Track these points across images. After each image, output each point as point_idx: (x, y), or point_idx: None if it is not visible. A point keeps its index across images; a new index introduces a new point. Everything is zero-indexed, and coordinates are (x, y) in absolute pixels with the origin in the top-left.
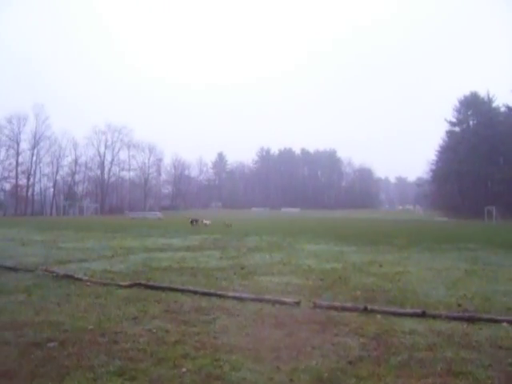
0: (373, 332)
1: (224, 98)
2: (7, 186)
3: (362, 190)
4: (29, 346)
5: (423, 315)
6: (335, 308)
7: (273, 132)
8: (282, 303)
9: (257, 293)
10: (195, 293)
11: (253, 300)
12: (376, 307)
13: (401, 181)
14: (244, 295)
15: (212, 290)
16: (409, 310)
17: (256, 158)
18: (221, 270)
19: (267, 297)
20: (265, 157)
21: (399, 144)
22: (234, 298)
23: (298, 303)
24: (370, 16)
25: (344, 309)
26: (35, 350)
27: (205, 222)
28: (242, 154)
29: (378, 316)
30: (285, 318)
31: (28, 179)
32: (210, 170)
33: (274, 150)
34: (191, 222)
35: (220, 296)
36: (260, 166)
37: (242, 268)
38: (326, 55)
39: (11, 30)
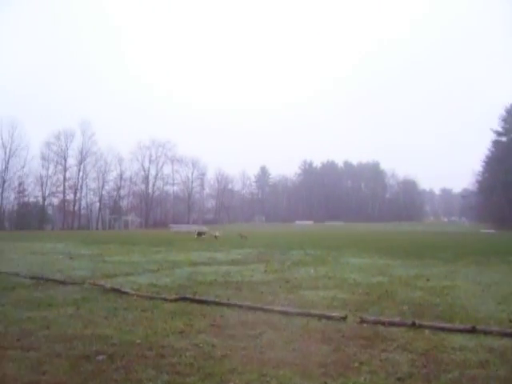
0: (422, 348)
1: (266, 112)
2: (55, 201)
3: (406, 201)
4: (78, 358)
5: (473, 331)
6: (382, 323)
7: (315, 145)
8: (329, 318)
9: (302, 307)
10: (241, 307)
11: (299, 314)
12: (424, 322)
13: (446, 192)
14: (290, 309)
15: (258, 305)
16: (458, 326)
17: (299, 171)
18: (266, 284)
19: (313, 311)
20: (308, 170)
21: (444, 155)
22: (280, 312)
23: (344, 318)
24: (410, 22)
25: (391, 324)
26: (85, 363)
27: (215, 234)
28: (285, 167)
29: (427, 331)
30: (331, 333)
31: (75, 194)
32: (253, 184)
33: (317, 162)
34: (197, 234)
35: (266, 310)
36: (303, 179)
37: (287, 282)
38: (367, 66)
39: (58, 51)
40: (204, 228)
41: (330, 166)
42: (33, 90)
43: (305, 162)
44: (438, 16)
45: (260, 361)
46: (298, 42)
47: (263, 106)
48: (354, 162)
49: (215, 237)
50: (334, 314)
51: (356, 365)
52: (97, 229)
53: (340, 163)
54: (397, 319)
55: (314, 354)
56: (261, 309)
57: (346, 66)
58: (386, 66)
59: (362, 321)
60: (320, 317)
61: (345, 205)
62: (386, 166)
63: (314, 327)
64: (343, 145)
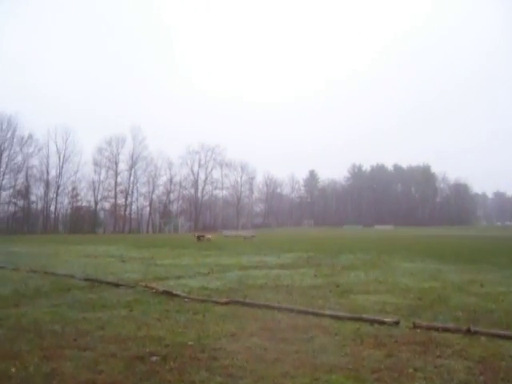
0: (478, 355)
1: (314, 115)
2: (107, 205)
3: (457, 205)
4: (133, 359)
5: None
6: (436, 328)
7: (364, 148)
8: (381, 323)
9: (354, 312)
10: (292, 311)
11: (350, 319)
12: (480, 329)
13: (499, 196)
14: (341, 314)
15: (309, 309)
16: None
17: (348, 174)
18: (316, 288)
19: (365, 316)
20: (357, 173)
21: (497, 158)
22: (331, 316)
23: (396, 323)
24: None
25: (445, 330)
26: (139, 364)
27: (207, 236)
28: (334, 171)
29: (483, 338)
30: (384, 338)
31: (126, 198)
32: (302, 188)
33: (366, 166)
34: (197, 237)
35: (317, 314)
36: (352, 182)
37: (338, 286)
38: (416, 67)
39: (109, 59)
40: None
41: (379, 170)
42: (85, 97)
43: (354, 165)
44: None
45: (312, 365)
46: (350, 45)
47: (312, 110)
48: (404, 165)
49: (208, 239)
50: (386, 319)
51: (410, 371)
52: (147, 232)
53: (390, 167)
54: (451, 325)
55: (366, 359)
56: (312, 313)
57: (392, 67)
58: (432, 67)
59: (415, 326)
60: (372, 321)
61: (394, 209)
62: (436, 169)
63: (366, 332)
64: (393, 148)
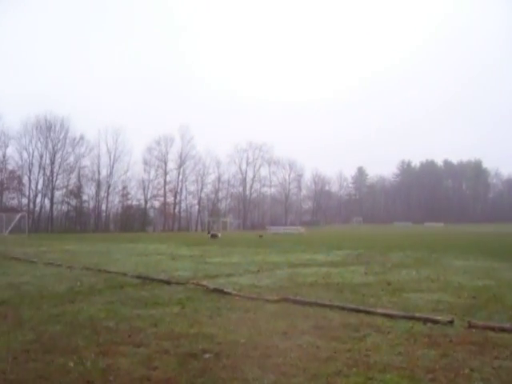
0: None
1: (361, 111)
2: (156, 204)
3: (511, 201)
4: (186, 356)
5: None
6: (492, 328)
7: (413, 144)
8: (434, 322)
9: (406, 310)
10: (343, 309)
11: (403, 317)
12: None
13: None
14: (393, 312)
15: (360, 307)
16: None
17: (397, 171)
18: (367, 286)
19: (417, 315)
20: (406, 170)
21: None
22: (384, 314)
23: (451, 322)
24: None
25: (502, 329)
26: (192, 361)
27: (219, 234)
28: (383, 167)
29: None
30: (438, 338)
31: (175, 197)
32: (350, 185)
33: (415, 162)
34: (211, 235)
35: (368, 312)
36: (401, 179)
37: (389, 284)
38: (464, 60)
39: (157, 59)
40: (218, 232)
41: (429, 166)
42: (134, 98)
43: (403, 162)
44: None
45: (365, 364)
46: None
47: (358, 105)
48: (455, 160)
49: (216, 236)
50: (439, 318)
51: (466, 371)
52: (196, 230)
53: (440, 162)
54: (508, 325)
55: (420, 359)
56: (364, 311)
57: (442, 62)
58: (483, 56)
59: (471, 325)
60: (425, 320)
61: (445, 205)
62: (488, 164)
63: (420, 331)
64: (443, 143)
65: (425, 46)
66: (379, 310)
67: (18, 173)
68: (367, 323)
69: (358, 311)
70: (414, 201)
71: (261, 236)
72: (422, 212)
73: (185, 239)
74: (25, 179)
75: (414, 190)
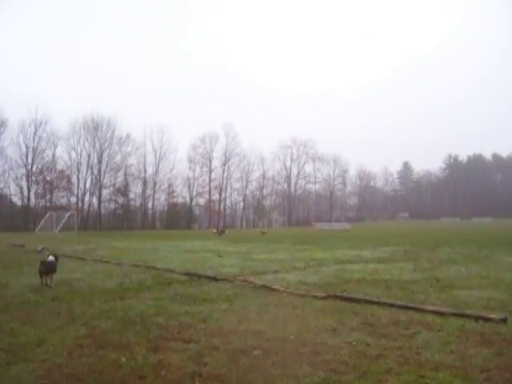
0: None
1: (407, 104)
2: (201, 201)
3: None
4: (235, 352)
5: None
6: None
7: (460, 138)
8: (486, 319)
9: (456, 307)
10: (392, 306)
11: (453, 315)
12: None
13: None
14: (444, 309)
15: (409, 304)
16: None
17: (443, 165)
18: (415, 283)
19: (469, 312)
20: (453, 164)
21: None
22: (433, 312)
23: (504, 320)
24: None
25: None
26: (242, 357)
27: (213, 230)
28: (429, 162)
29: None
30: (491, 336)
31: (220, 194)
32: (396, 180)
33: (463, 156)
34: (219, 232)
35: (418, 310)
36: (448, 174)
37: (438, 281)
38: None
39: (199, 57)
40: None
41: (477, 160)
42: (178, 96)
43: (450, 156)
44: None
45: (417, 361)
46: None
47: (404, 98)
48: (504, 154)
49: (214, 232)
50: (492, 316)
51: None
52: (241, 227)
53: (488, 156)
54: None
55: (473, 357)
56: (413, 308)
57: (492, 50)
58: None
59: None
60: (477, 318)
61: (494, 200)
62: None
63: (471, 329)
64: (491, 136)
65: (472, 25)
66: (429, 307)
67: (67, 172)
68: (417, 320)
69: (407, 308)
70: (462, 196)
71: (263, 233)
72: (469, 207)
73: (230, 236)
74: (73, 178)
75: (462, 184)
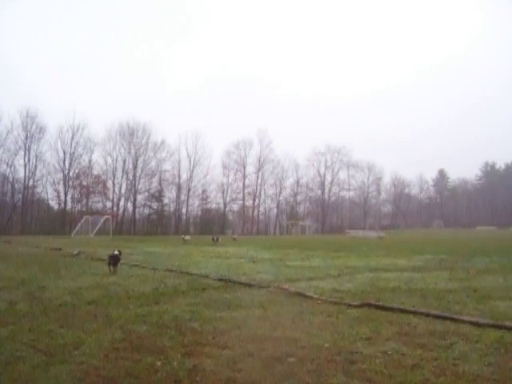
0: None
1: (443, 112)
2: (235, 207)
3: None
4: (270, 359)
5: None
6: None
7: (497, 145)
8: None
9: (495, 318)
10: (427, 315)
11: (492, 326)
12: None
13: None
14: (481, 320)
15: (446, 314)
16: None
17: (480, 173)
18: (452, 293)
19: (508, 324)
20: (490, 172)
21: None
22: (471, 322)
23: None
24: None
25: None
26: (276, 364)
27: (186, 237)
28: (465, 170)
29: None
30: None
31: (254, 200)
32: (431, 188)
33: (500, 164)
34: (212, 239)
35: (454, 320)
36: (485, 181)
37: (475, 291)
38: None
39: (231, 64)
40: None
41: None
42: (213, 102)
43: (486, 163)
44: None
45: (454, 373)
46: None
47: (438, 106)
48: None
49: (185, 240)
50: None
51: None
52: (274, 234)
53: None
54: None
55: None
56: (450, 318)
57: None
58: None
59: None
60: None
61: None
62: None
63: (510, 341)
64: None
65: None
66: (466, 318)
67: (103, 177)
68: (453, 331)
69: (443, 318)
70: (499, 204)
71: (234, 239)
72: (507, 216)
73: (264, 242)
74: (109, 183)
75: (499, 192)
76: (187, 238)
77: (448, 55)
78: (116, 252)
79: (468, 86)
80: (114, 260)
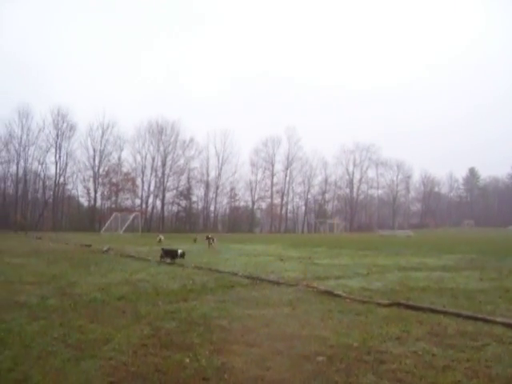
0: None
1: (474, 108)
2: (263, 205)
3: None
4: (299, 357)
5: None
6: None
7: None
8: None
9: None
10: (458, 316)
11: None
12: None
13: None
14: None
15: (477, 314)
16: None
17: (511, 171)
18: (483, 293)
19: None
20: None
21: None
22: (503, 324)
23: None
24: None
25: None
26: (305, 363)
27: (160, 236)
28: (496, 168)
29: None
30: None
31: (282, 198)
32: (461, 187)
33: None
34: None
35: (486, 321)
36: None
37: (507, 291)
38: None
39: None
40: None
41: None
42: (241, 100)
43: None
44: None
45: (487, 375)
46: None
47: (469, 105)
48: None
49: (159, 240)
50: None
51: None
52: (302, 232)
53: None
54: None
55: None
56: (481, 319)
57: None
58: None
59: None
60: None
61: None
62: None
63: None
64: None
65: None
66: (498, 319)
67: (132, 175)
68: (486, 332)
69: (475, 319)
70: None
71: (195, 240)
72: None
73: (292, 240)
74: (138, 181)
75: None
76: (161, 237)
77: (472, 44)
78: (180, 251)
79: (498, 76)
80: (171, 254)
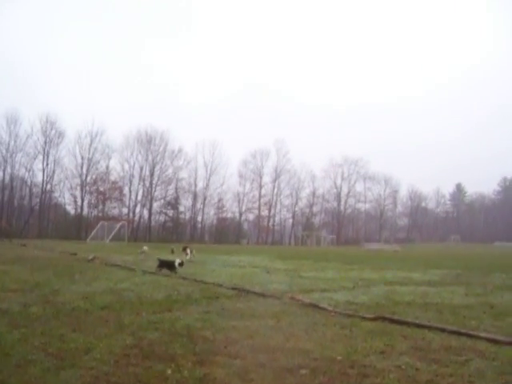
0: None
1: (461, 124)
2: (250, 217)
3: None
4: (282, 370)
5: None
6: None
7: None
8: None
9: (511, 336)
10: (443, 330)
11: (509, 344)
12: None
13: None
14: (498, 337)
15: (461, 329)
16: None
17: (498, 188)
18: (468, 308)
19: None
20: (508, 187)
21: None
22: (487, 339)
23: None
24: None
25: None
26: (288, 375)
27: (144, 248)
28: (482, 184)
29: None
30: None
31: (269, 210)
32: (448, 202)
33: None
34: (183, 248)
35: (470, 336)
36: (503, 196)
37: (492, 307)
38: None
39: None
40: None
41: None
42: (230, 111)
43: (505, 178)
44: None
45: None
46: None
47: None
48: None
49: (143, 251)
50: None
51: None
52: (289, 244)
53: None
54: None
55: None
56: (466, 334)
57: None
58: None
59: None
60: None
61: None
62: None
63: None
64: None
65: None
66: (482, 334)
67: (120, 183)
68: (469, 347)
69: (459, 334)
70: None
71: (172, 251)
72: None
73: (279, 252)
74: (125, 190)
75: None
76: (145, 248)
77: (464, 67)
78: (178, 260)
79: (485, 97)
80: (167, 265)
